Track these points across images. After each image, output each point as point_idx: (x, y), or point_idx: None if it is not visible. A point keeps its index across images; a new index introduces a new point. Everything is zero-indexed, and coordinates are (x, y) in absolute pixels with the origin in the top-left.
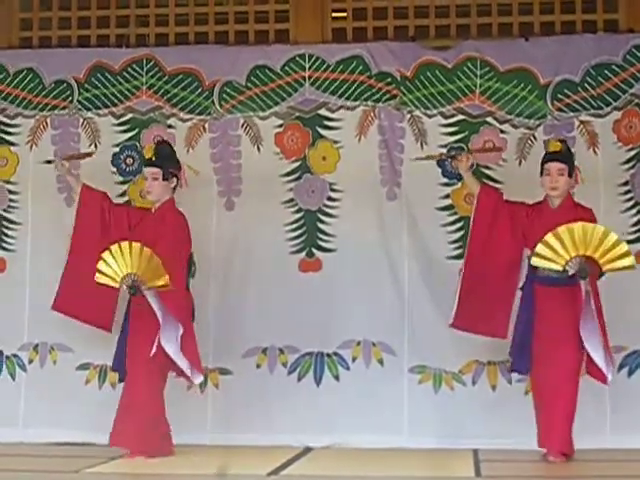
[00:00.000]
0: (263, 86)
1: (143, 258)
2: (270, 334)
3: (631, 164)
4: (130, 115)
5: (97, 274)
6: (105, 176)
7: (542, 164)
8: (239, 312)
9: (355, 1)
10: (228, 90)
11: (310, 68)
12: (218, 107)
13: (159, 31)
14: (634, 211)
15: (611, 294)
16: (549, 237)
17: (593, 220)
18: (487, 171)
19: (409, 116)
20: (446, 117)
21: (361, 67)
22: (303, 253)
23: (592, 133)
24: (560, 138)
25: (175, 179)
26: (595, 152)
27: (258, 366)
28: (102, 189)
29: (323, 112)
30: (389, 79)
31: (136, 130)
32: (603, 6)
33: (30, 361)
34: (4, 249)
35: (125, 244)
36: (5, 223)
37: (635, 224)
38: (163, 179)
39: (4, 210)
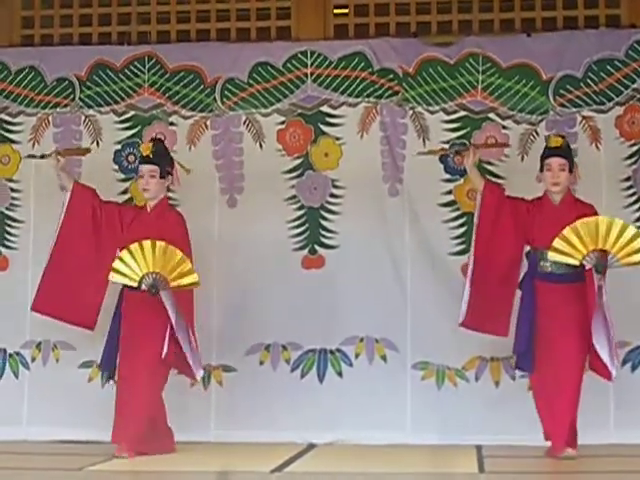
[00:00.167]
0: (265, 83)
1: (168, 257)
2: (273, 331)
3: (633, 159)
4: (132, 113)
5: (112, 273)
6: (107, 173)
7: (542, 159)
8: (242, 309)
9: None
10: (230, 87)
11: (312, 65)
12: (220, 104)
13: (161, 28)
14: (636, 206)
15: (614, 289)
16: (567, 232)
17: (595, 214)
18: (489, 167)
19: (411, 112)
20: (448, 113)
21: (363, 63)
22: (306, 250)
23: (594, 128)
24: (560, 134)
25: (170, 177)
26: (597, 147)
27: (261, 363)
28: (104, 186)
29: (325, 109)
30: (391, 75)
31: (138, 128)
32: (605, 1)
33: (33, 359)
34: (6, 247)
35: (147, 243)
36: (7, 221)
37: (638, 219)
38: (160, 177)
39: (6, 208)
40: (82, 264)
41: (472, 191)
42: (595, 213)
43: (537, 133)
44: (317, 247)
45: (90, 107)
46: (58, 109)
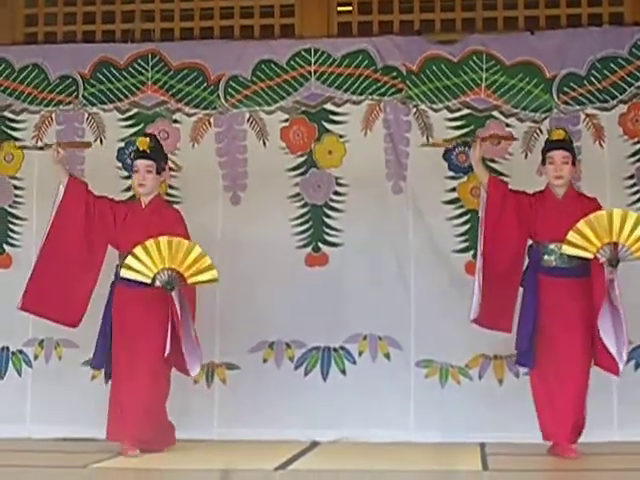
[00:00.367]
0: (269, 81)
1: (185, 252)
2: (277, 329)
3: (637, 157)
4: (135, 110)
5: (123, 269)
6: (110, 171)
7: (544, 152)
8: (246, 307)
9: None
10: (233, 85)
11: (316, 62)
12: (223, 102)
13: (164, 26)
14: None
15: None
16: (581, 224)
17: (601, 208)
18: (493, 164)
19: (415, 110)
20: (452, 111)
21: (367, 61)
22: (309, 248)
23: (598, 126)
24: (561, 127)
25: (164, 173)
26: (601, 145)
27: (265, 361)
28: (107, 184)
29: (329, 106)
30: (395, 73)
31: (141, 125)
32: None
33: (35, 357)
34: (10, 245)
35: (164, 239)
36: (10, 219)
37: None
38: (156, 172)
39: (9, 206)
40: (72, 261)
41: (476, 188)
42: (599, 206)
43: (541, 131)
44: (321, 245)
45: (93, 105)
46: (61, 107)
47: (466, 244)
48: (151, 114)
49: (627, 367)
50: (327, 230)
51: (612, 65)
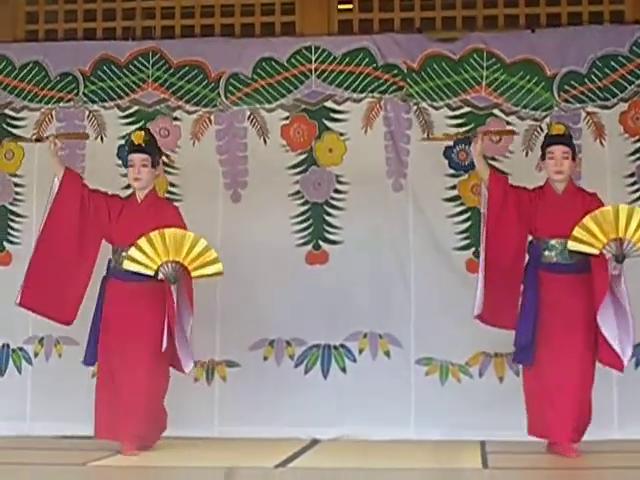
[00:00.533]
0: (269, 78)
1: (191, 245)
2: (277, 326)
3: (638, 155)
4: (136, 108)
5: (126, 261)
6: (110, 168)
7: (544, 147)
8: (246, 304)
9: None
10: (234, 82)
11: (316, 60)
12: (224, 99)
13: (165, 24)
14: None
15: None
16: (587, 220)
17: (602, 203)
18: (494, 162)
19: (415, 108)
20: (452, 109)
21: (367, 59)
22: (310, 245)
23: (598, 124)
24: (561, 122)
25: (159, 167)
26: (602, 143)
27: (265, 358)
28: (107, 181)
29: (329, 104)
30: (395, 71)
31: (142, 123)
32: None
33: (36, 354)
34: (10, 242)
35: (170, 231)
36: (11, 216)
37: None
38: (151, 166)
39: (10, 203)
40: (65, 255)
41: (476, 186)
42: (599, 201)
43: (541, 129)
44: (321, 242)
45: (94, 102)
46: (62, 104)
47: (467, 242)
48: (151, 112)
49: (627, 365)
50: (327, 228)
51: (613, 63)
